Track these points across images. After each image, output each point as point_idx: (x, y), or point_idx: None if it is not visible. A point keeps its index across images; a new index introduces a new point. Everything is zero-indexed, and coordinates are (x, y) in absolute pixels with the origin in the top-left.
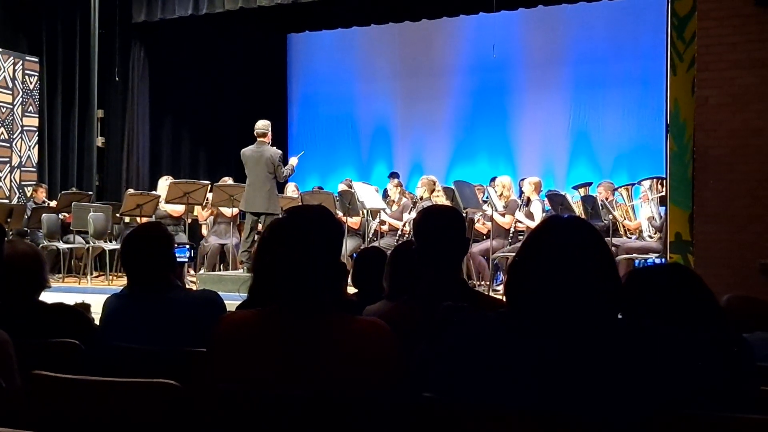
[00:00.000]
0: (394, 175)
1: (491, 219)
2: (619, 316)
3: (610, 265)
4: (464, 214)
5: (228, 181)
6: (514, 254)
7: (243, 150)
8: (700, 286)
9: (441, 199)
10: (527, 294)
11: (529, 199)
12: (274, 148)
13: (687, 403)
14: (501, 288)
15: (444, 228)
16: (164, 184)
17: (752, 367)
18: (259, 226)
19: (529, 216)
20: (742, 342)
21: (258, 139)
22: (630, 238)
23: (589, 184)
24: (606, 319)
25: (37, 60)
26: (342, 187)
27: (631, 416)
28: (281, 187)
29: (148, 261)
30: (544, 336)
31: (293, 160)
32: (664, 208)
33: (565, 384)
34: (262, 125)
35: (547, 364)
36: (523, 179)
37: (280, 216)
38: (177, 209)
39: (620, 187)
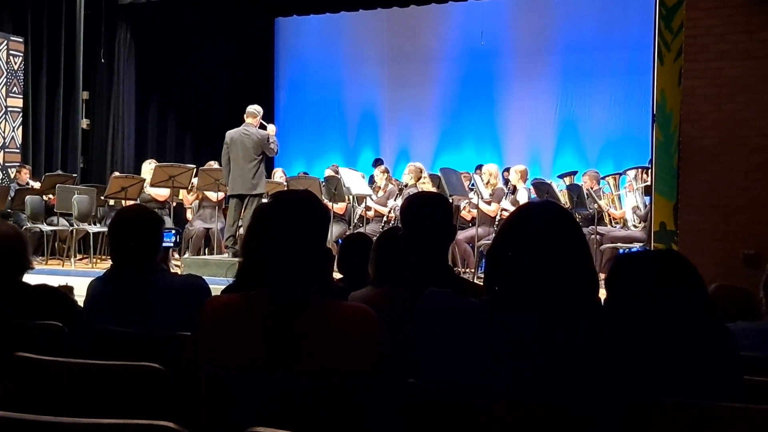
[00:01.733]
0: (378, 162)
1: (477, 207)
2: (603, 303)
3: (585, 249)
4: (450, 201)
5: (214, 165)
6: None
7: (229, 131)
8: (688, 271)
9: (427, 186)
10: (505, 280)
11: (515, 188)
12: (261, 130)
13: (670, 392)
14: None
15: (431, 214)
16: (148, 167)
17: (735, 356)
18: (243, 212)
19: (515, 204)
20: (725, 331)
21: (246, 120)
22: (615, 227)
23: (575, 173)
24: (585, 304)
25: (21, 40)
26: (328, 172)
27: (612, 403)
28: (269, 172)
29: (136, 243)
30: (525, 322)
31: (271, 128)
32: (649, 197)
33: (547, 370)
34: (255, 108)
35: (528, 350)
36: (508, 168)
37: (267, 200)
38: (162, 194)
39: (607, 176)
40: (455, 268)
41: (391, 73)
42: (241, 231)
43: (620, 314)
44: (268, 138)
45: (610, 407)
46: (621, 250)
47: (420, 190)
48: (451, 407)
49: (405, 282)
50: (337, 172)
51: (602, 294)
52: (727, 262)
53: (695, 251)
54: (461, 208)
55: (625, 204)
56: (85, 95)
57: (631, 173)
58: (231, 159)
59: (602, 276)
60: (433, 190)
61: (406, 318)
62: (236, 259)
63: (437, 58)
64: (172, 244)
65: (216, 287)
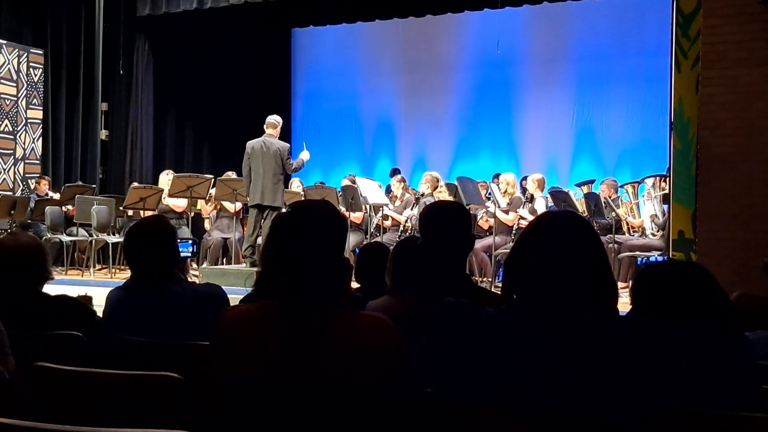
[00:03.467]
0: (395, 171)
1: (494, 216)
2: (622, 312)
3: (603, 258)
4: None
5: (231, 175)
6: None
7: (250, 141)
8: (714, 284)
9: (444, 195)
10: (523, 289)
11: (532, 196)
12: (282, 141)
13: (689, 401)
14: None
15: (450, 223)
16: (166, 178)
17: (754, 365)
18: (263, 222)
19: (533, 213)
20: (744, 340)
21: (267, 131)
22: (633, 235)
23: (592, 181)
24: (603, 313)
25: (41, 52)
26: (345, 182)
27: (631, 413)
28: (286, 182)
29: (151, 254)
30: (543, 331)
31: (305, 155)
32: (667, 205)
33: (565, 379)
34: (275, 118)
35: (546, 359)
36: (525, 177)
37: (285, 210)
38: (179, 204)
39: (625, 184)
40: (472, 277)
41: (408, 83)
42: (260, 241)
43: (639, 323)
44: (290, 151)
45: (628, 416)
46: (639, 259)
47: (437, 199)
48: (468, 417)
49: (424, 291)
50: (354, 182)
51: (621, 303)
52: (746, 270)
53: (714, 259)
54: (478, 217)
55: (643, 212)
56: (103, 106)
57: (649, 181)
58: (252, 169)
59: (621, 285)
60: (450, 199)
61: (424, 327)
62: (254, 269)
63: (453, 68)
64: (189, 254)
65: (234, 297)
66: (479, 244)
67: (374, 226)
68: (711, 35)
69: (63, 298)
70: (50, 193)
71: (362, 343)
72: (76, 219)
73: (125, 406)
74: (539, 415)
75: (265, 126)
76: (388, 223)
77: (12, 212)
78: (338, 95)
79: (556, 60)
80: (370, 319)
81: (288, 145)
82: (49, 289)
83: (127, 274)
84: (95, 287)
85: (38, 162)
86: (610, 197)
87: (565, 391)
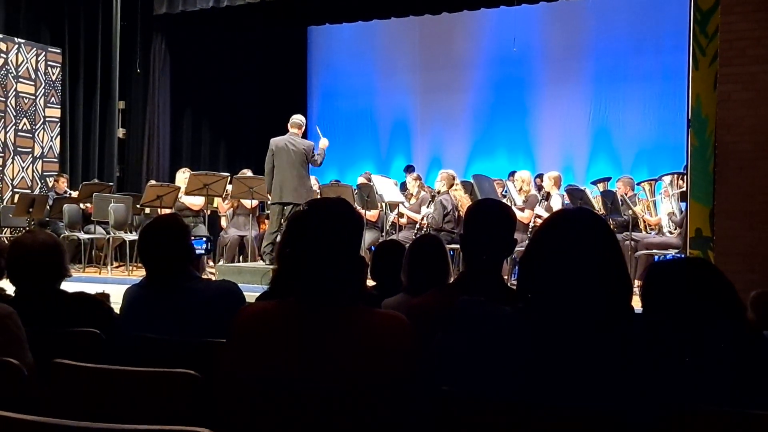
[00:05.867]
0: (410, 168)
1: None
2: (637, 311)
3: (619, 257)
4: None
5: (247, 173)
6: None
7: (274, 139)
8: (721, 280)
9: (460, 193)
10: (539, 287)
11: (548, 194)
12: (306, 140)
13: (704, 399)
14: None
15: (494, 222)
16: (182, 176)
17: None
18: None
19: (549, 211)
20: (760, 338)
21: (291, 130)
22: (650, 233)
23: (609, 179)
24: (619, 312)
25: (59, 51)
26: (361, 180)
27: (647, 411)
28: None
29: (165, 252)
30: (559, 329)
31: (324, 142)
32: (684, 203)
33: (581, 377)
34: (300, 118)
35: (561, 358)
36: (541, 174)
37: (301, 208)
38: (196, 203)
39: (642, 181)
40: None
41: (424, 81)
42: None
43: (654, 322)
44: (314, 148)
45: (644, 415)
46: (656, 257)
47: (453, 197)
48: (482, 415)
49: (450, 288)
50: (369, 180)
51: (636, 302)
52: (764, 269)
53: (731, 257)
54: None
55: (661, 210)
56: (121, 105)
57: (667, 179)
58: (276, 166)
59: (637, 283)
60: (466, 197)
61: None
62: (271, 267)
63: (469, 65)
64: (203, 252)
65: (250, 294)
66: None
67: (390, 223)
68: (729, 32)
69: (81, 296)
70: (68, 191)
71: (378, 341)
72: (93, 217)
73: (143, 403)
74: (553, 414)
75: (289, 125)
76: (403, 221)
77: (30, 210)
78: (354, 93)
79: (573, 57)
80: (385, 317)
81: (312, 143)
82: (67, 286)
83: (144, 271)
84: (112, 285)
85: (56, 160)
86: (626, 195)
87: (580, 390)
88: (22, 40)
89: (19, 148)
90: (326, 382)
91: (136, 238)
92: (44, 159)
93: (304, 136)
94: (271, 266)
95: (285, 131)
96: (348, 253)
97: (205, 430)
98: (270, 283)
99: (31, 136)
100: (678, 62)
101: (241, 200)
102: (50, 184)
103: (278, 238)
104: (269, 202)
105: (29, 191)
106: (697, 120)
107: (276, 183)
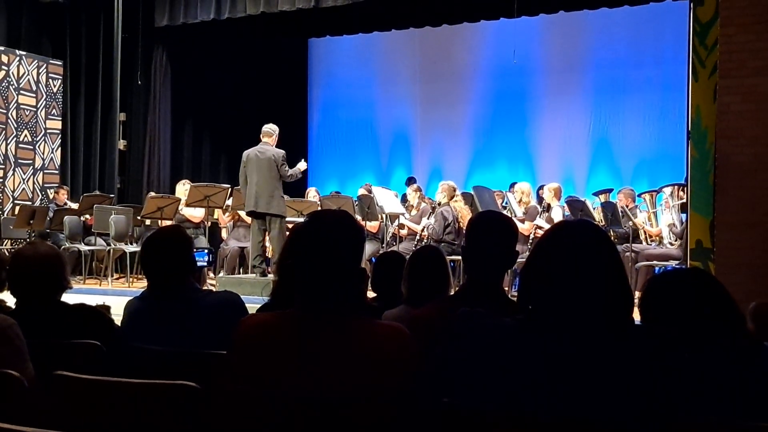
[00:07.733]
0: (411, 180)
1: None
2: (638, 323)
3: (619, 269)
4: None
5: None
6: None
7: (246, 151)
8: (720, 292)
9: (460, 205)
10: (539, 299)
11: (549, 206)
12: (277, 148)
13: (705, 411)
14: None
15: (497, 234)
16: (182, 188)
17: None
18: (269, 233)
19: (550, 222)
20: (762, 350)
21: (263, 139)
22: (650, 244)
23: (610, 190)
24: (619, 324)
25: (60, 63)
26: (362, 191)
27: (647, 424)
28: (302, 192)
29: (168, 264)
30: (559, 341)
31: (302, 165)
32: (685, 215)
33: (581, 389)
34: (271, 127)
35: (562, 370)
36: (542, 186)
37: (303, 220)
38: (196, 215)
39: (643, 193)
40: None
41: (424, 92)
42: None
43: (655, 334)
44: (283, 156)
45: (645, 427)
46: (657, 269)
47: (453, 208)
48: (484, 426)
49: (450, 300)
50: (370, 191)
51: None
52: (765, 280)
53: (732, 269)
54: None
55: (661, 221)
56: (122, 117)
57: (667, 190)
58: (248, 176)
59: (638, 294)
60: (466, 208)
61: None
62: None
63: (470, 77)
64: (205, 264)
65: (251, 306)
66: None
67: (390, 235)
68: (729, 44)
69: (82, 307)
70: (69, 203)
71: (379, 352)
72: (94, 228)
73: (143, 415)
74: (554, 426)
75: (261, 135)
76: (404, 232)
77: (31, 222)
78: (355, 105)
79: (573, 69)
80: (386, 328)
81: (282, 151)
82: (68, 298)
83: (145, 283)
84: (113, 296)
85: (57, 172)
86: (627, 206)
87: (581, 402)
88: (24, 52)
89: (20, 160)
90: (327, 394)
91: (137, 249)
92: (45, 171)
93: (303, 147)
94: (263, 278)
95: (286, 143)
96: (349, 264)
97: None
98: (271, 294)
99: (32, 147)
100: (678, 74)
101: (241, 212)
102: (51, 196)
103: (264, 248)
104: (245, 211)
105: (30, 203)
106: (697, 131)
107: (250, 192)
